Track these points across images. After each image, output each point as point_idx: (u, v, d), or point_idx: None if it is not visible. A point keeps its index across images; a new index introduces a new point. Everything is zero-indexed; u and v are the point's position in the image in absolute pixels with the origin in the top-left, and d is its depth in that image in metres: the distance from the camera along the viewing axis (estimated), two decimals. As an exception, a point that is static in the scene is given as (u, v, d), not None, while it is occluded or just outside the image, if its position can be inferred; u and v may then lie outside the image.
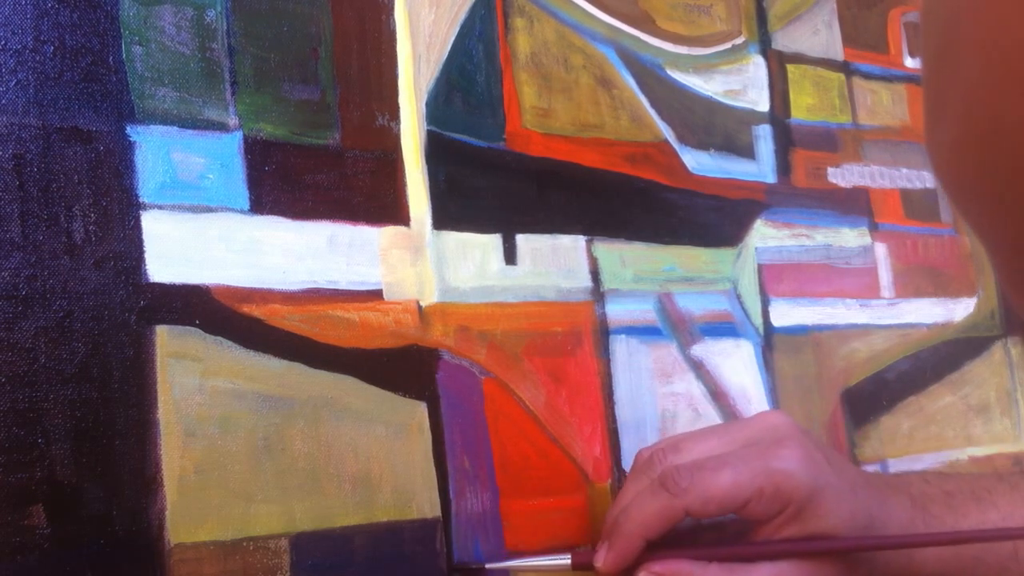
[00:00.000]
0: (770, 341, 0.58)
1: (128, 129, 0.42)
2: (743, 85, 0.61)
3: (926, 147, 0.23)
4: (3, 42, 0.40)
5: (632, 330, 0.54)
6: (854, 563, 0.44)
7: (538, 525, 0.49)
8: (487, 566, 0.47)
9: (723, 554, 0.45)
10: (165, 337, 0.41)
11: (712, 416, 0.55)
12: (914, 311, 0.64)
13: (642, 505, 0.44)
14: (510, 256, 0.51)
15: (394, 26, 0.49)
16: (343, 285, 0.46)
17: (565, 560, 0.47)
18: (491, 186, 0.51)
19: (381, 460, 0.45)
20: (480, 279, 0.50)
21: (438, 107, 0.50)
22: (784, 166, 0.61)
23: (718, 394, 0.56)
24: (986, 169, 0.21)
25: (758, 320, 0.58)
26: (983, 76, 0.20)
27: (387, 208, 0.48)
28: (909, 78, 0.68)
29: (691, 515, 0.44)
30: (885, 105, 0.66)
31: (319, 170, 0.46)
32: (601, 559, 0.45)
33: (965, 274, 0.67)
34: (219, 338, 0.42)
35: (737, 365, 0.57)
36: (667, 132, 0.57)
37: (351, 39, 0.48)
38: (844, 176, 0.64)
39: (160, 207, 0.42)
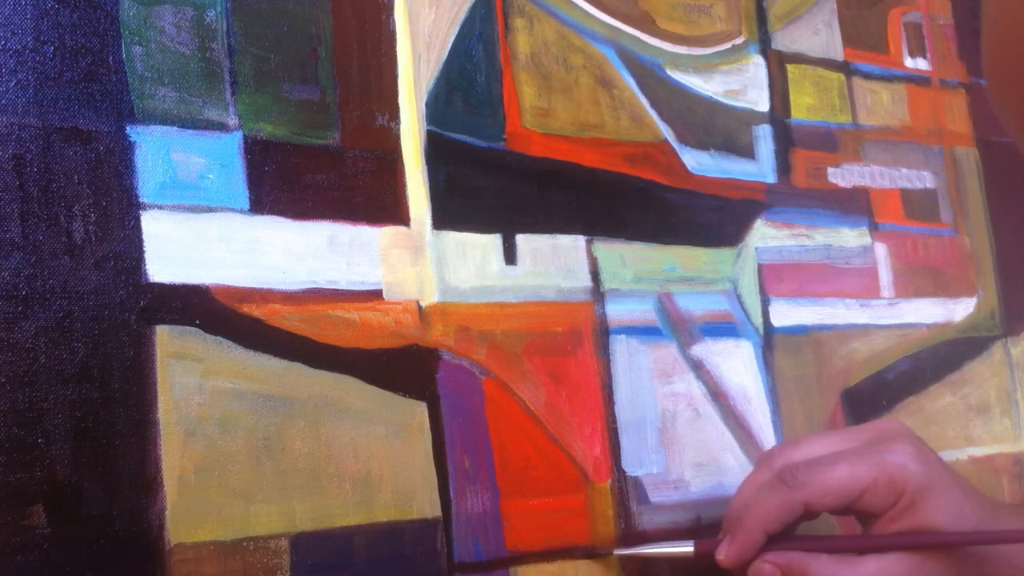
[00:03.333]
0: (770, 341, 0.58)
1: (128, 129, 0.42)
2: (743, 85, 0.61)
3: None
4: (3, 42, 0.40)
5: (632, 330, 0.54)
6: (963, 561, 0.45)
7: (538, 525, 0.49)
8: (615, 552, 0.50)
9: (835, 546, 0.46)
10: (165, 337, 0.41)
11: (712, 416, 0.55)
12: (914, 311, 0.64)
13: (763, 500, 0.46)
14: (510, 256, 0.51)
15: (394, 26, 0.50)
16: (343, 285, 0.46)
17: (688, 548, 0.48)
18: (491, 186, 0.51)
19: (381, 460, 0.45)
20: (480, 279, 0.50)
21: (438, 107, 0.50)
22: (784, 166, 0.61)
23: (718, 394, 0.56)
24: None
25: (758, 320, 0.58)
26: None
27: (387, 208, 0.48)
28: (909, 78, 0.68)
29: (809, 508, 0.45)
30: (885, 105, 0.66)
31: (319, 170, 0.46)
32: (724, 552, 0.46)
33: (965, 274, 0.67)
34: (219, 338, 0.42)
35: (737, 365, 0.57)
36: (667, 132, 0.57)
37: (351, 39, 0.48)
38: (844, 176, 0.64)
39: (160, 207, 0.42)
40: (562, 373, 0.51)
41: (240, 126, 0.45)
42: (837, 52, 0.65)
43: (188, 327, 0.42)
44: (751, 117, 0.61)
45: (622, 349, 0.53)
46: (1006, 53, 0.34)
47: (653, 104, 0.57)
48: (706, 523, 0.54)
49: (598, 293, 0.53)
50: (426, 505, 0.46)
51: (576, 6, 0.55)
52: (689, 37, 0.59)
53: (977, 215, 0.69)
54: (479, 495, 0.47)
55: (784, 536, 0.47)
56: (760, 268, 0.59)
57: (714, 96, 0.59)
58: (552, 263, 0.52)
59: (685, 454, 0.54)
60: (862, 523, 0.47)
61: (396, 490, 0.45)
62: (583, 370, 0.52)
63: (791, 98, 0.62)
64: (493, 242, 0.50)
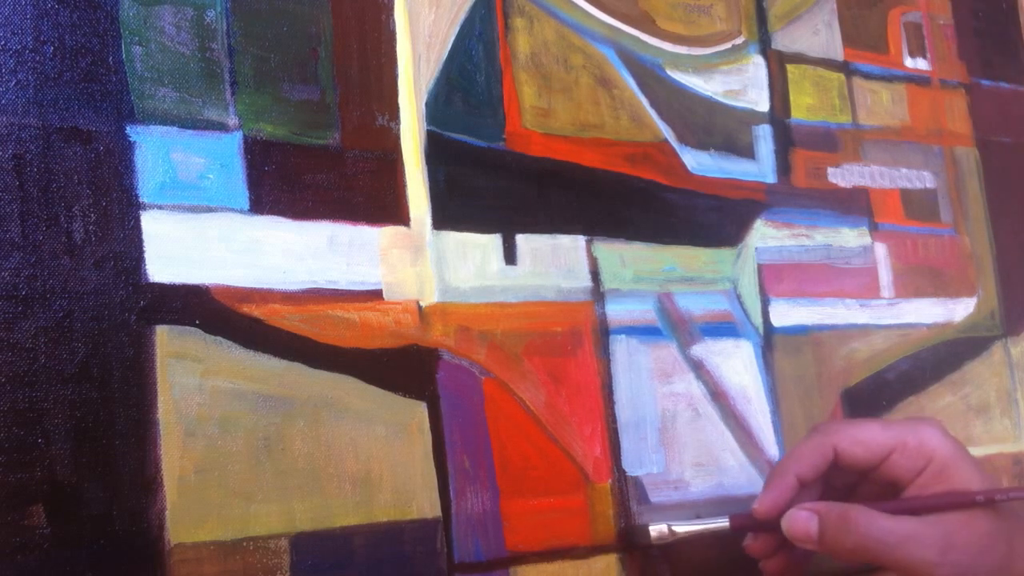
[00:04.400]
0: (770, 341, 0.58)
1: (128, 129, 0.42)
2: (743, 85, 0.61)
3: None
4: (3, 42, 0.40)
5: (632, 330, 0.54)
6: (1007, 521, 0.45)
7: (538, 525, 0.49)
8: (651, 527, 0.50)
9: (874, 507, 0.46)
10: (165, 337, 0.41)
11: (712, 416, 0.55)
12: (914, 311, 0.64)
13: (795, 447, 0.48)
14: (510, 256, 0.51)
15: (394, 26, 0.50)
16: (343, 285, 0.46)
17: (723, 522, 0.49)
18: (491, 186, 0.51)
19: (381, 460, 0.45)
20: (480, 279, 0.50)
21: (438, 107, 0.50)
22: (784, 166, 0.61)
23: (718, 394, 0.56)
24: None
25: (758, 320, 0.58)
26: None
27: (387, 208, 0.48)
28: (909, 78, 0.68)
29: (839, 455, 0.47)
30: (885, 105, 0.66)
31: (319, 170, 0.46)
32: (757, 503, 0.48)
33: (965, 274, 0.67)
34: (219, 338, 0.42)
35: (737, 365, 0.57)
36: (667, 132, 0.57)
37: (351, 39, 0.48)
38: (844, 176, 0.64)
39: (160, 207, 0.42)
40: (562, 373, 0.51)
41: (240, 126, 0.45)
42: (837, 52, 0.65)
43: (188, 327, 0.42)
44: (751, 117, 0.61)
45: (622, 349, 0.53)
46: None
47: (653, 104, 0.57)
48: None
49: (598, 293, 0.53)
50: (426, 505, 0.46)
51: (576, 6, 0.55)
52: (689, 37, 0.59)
53: (977, 215, 0.69)
54: (479, 495, 0.47)
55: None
56: (760, 268, 0.59)
57: (714, 96, 0.59)
58: (552, 263, 0.52)
59: (685, 454, 0.54)
60: (890, 495, 0.47)
61: (396, 490, 0.45)
62: (583, 370, 0.52)
63: (791, 98, 0.62)
64: (493, 242, 0.50)
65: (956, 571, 0.43)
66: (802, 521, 0.46)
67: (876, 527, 0.44)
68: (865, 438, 0.47)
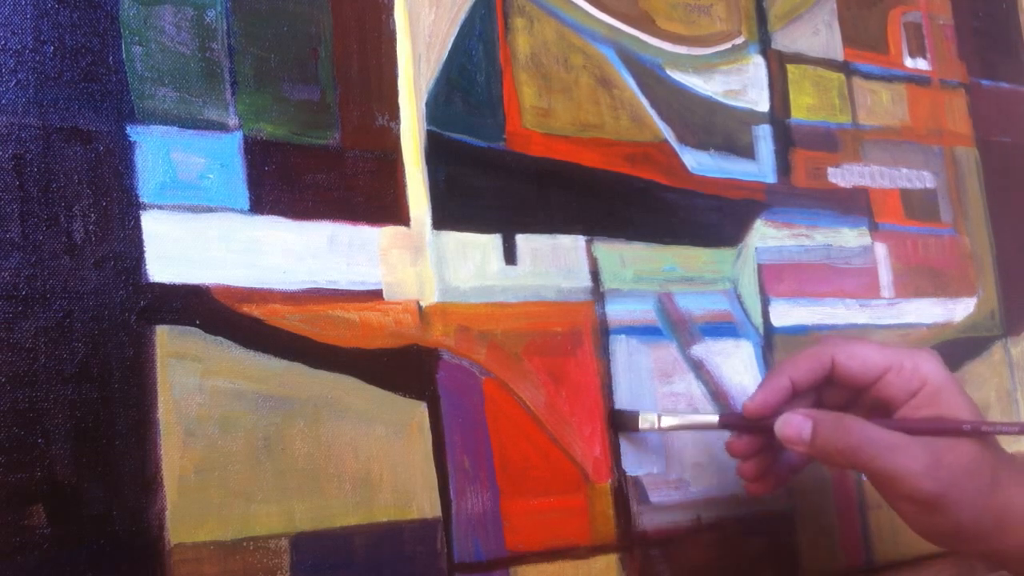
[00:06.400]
0: (770, 341, 0.58)
1: (128, 129, 0.42)
2: (743, 85, 0.61)
3: None
4: (3, 42, 0.40)
5: (632, 330, 0.54)
6: (985, 449, 0.46)
7: (538, 525, 0.49)
8: (641, 414, 0.51)
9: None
10: (165, 337, 0.41)
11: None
12: (914, 311, 0.64)
13: (793, 355, 0.49)
14: (510, 256, 0.51)
15: (394, 26, 0.50)
16: (343, 285, 0.46)
17: (712, 419, 0.50)
18: (491, 186, 0.51)
19: (381, 460, 0.45)
20: (480, 279, 0.50)
21: (438, 107, 0.50)
22: (784, 166, 0.61)
23: (718, 394, 0.56)
24: None
25: (758, 320, 0.58)
26: None
27: (387, 208, 0.48)
28: (909, 78, 0.68)
29: (836, 366, 0.48)
30: (885, 105, 0.66)
31: (319, 170, 0.46)
32: (749, 399, 0.48)
33: (965, 274, 0.67)
34: (219, 338, 0.42)
35: (737, 365, 0.57)
36: (667, 132, 0.57)
37: (351, 39, 0.48)
38: (844, 176, 0.64)
39: (160, 207, 0.42)
40: (562, 373, 0.51)
41: (240, 126, 0.45)
42: (837, 52, 0.65)
43: (188, 327, 0.42)
44: (751, 117, 0.61)
45: (622, 349, 0.53)
46: None
47: (653, 104, 0.57)
48: (706, 523, 0.54)
49: (598, 293, 0.53)
50: (426, 505, 0.46)
51: (576, 6, 0.55)
52: (689, 37, 0.59)
53: (977, 215, 0.69)
54: (479, 495, 0.47)
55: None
56: (760, 268, 0.59)
57: (714, 96, 0.59)
58: (552, 263, 0.52)
59: (685, 454, 0.54)
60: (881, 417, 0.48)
61: (396, 490, 0.45)
62: (583, 370, 0.52)
63: (791, 98, 0.62)
64: (493, 242, 0.50)
65: (938, 486, 0.44)
66: (796, 424, 0.47)
67: (868, 433, 0.45)
68: (863, 354, 0.47)
